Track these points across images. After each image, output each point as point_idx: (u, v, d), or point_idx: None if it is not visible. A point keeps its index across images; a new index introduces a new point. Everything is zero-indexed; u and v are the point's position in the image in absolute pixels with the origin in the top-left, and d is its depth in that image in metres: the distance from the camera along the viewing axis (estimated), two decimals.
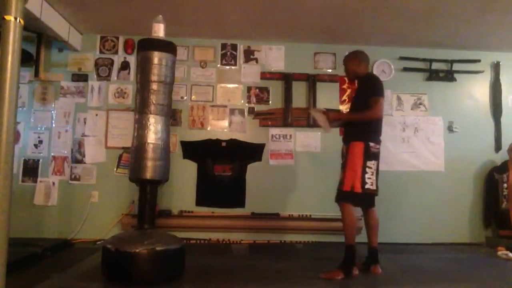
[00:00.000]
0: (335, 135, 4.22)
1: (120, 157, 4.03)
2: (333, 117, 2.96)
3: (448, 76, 4.37)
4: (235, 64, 4.26)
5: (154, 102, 2.69)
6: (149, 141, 2.65)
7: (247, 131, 4.17)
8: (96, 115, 4.08)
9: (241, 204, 4.06)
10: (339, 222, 4.00)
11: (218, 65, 4.25)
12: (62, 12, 3.61)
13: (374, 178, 2.71)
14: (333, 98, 4.27)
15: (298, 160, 4.16)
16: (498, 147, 4.33)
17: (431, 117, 4.33)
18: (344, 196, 2.71)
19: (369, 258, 2.84)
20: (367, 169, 2.68)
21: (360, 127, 2.75)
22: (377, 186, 2.73)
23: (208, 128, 4.16)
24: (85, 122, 4.06)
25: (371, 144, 2.71)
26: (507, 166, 4.04)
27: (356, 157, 2.69)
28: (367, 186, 2.67)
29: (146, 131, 2.66)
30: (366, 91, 2.80)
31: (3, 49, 1.60)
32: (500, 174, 4.12)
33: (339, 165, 4.16)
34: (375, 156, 2.73)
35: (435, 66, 4.36)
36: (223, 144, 4.11)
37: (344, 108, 4.28)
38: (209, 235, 3.97)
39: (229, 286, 2.52)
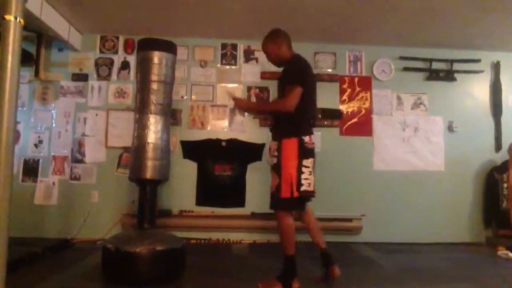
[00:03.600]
0: (335, 135, 4.24)
1: (120, 157, 4.03)
2: (239, 106, 2.75)
3: (448, 76, 4.36)
4: (235, 64, 4.26)
5: (154, 102, 2.69)
6: (149, 141, 2.65)
7: (247, 131, 4.17)
8: (96, 115, 4.08)
9: (241, 204, 4.06)
10: (339, 222, 4.06)
11: (218, 65, 4.24)
12: (62, 12, 3.61)
13: (312, 177, 2.40)
14: (333, 98, 4.27)
15: None
16: (498, 147, 4.32)
17: (431, 117, 4.33)
18: (282, 204, 2.39)
19: (324, 261, 2.55)
20: (304, 169, 2.34)
21: (292, 120, 2.39)
22: (314, 187, 2.42)
23: (208, 128, 4.16)
24: (85, 122, 4.06)
25: (306, 139, 2.37)
26: (507, 166, 4.04)
27: (290, 156, 2.35)
28: (303, 188, 2.33)
29: (146, 131, 2.66)
30: (285, 79, 2.48)
31: (3, 49, 1.60)
32: (500, 174, 4.12)
33: (339, 165, 4.25)
34: (312, 153, 2.42)
35: (435, 66, 4.36)
36: (223, 144, 4.11)
37: (345, 108, 4.28)
38: (209, 235, 3.97)
39: (229, 286, 2.53)
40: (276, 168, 2.40)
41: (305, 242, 4.02)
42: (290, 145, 2.36)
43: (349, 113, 4.27)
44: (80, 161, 4.02)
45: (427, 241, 4.07)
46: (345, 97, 4.29)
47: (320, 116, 4.20)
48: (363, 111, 4.28)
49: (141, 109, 2.71)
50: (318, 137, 4.19)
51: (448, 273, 2.95)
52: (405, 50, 4.34)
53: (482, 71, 4.40)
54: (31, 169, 3.97)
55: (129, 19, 3.79)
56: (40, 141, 4.01)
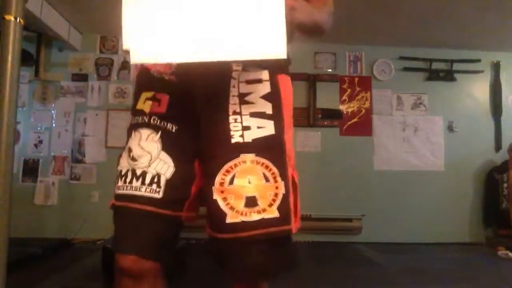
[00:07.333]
0: (335, 135, 4.24)
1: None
2: (297, 15, 0.96)
3: (448, 76, 4.36)
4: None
5: None
6: None
7: None
8: (96, 115, 4.08)
9: None
10: (339, 222, 4.06)
11: None
12: (62, 12, 3.61)
13: None
14: (333, 98, 4.27)
15: (298, 160, 4.14)
16: (498, 147, 4.32)
17: (431, 117, 4.33)
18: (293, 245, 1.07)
19: None
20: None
21: None
22: None
23: None
24: (85, 122, 4.06)
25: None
26: (507, 166, 4.03)
27: (291, 119, 1.15)
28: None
29: None
30: None
31: (3, 49, 1.60)
32: (500, 174, 4.11)
33: (339, 165, 4.26)
34: None
35: (435, 66, 4.35)
36: None
37: (345, 108, 4.28)
38: None
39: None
40: (276, 146, 1.07)
41: (305, 242, 4.04)
42: (290, 92, 1.15)
43: (349, 113, 4.26)
44: (80, 161, 4.02)
45: (427, 241, 4.07)
46: (345, 97, 4.29)
47: (320, 116, 4.21)
48: (363, 111, 4.28)
49: None
50: (318, 137, 4.20)
51: (448, 273, 2.95)
52: (405, 50, 4.34)
53: (482, 71, 4.40)
54: (31, 169, 3.97)
55: None
56: (40, 141, 4.01)
